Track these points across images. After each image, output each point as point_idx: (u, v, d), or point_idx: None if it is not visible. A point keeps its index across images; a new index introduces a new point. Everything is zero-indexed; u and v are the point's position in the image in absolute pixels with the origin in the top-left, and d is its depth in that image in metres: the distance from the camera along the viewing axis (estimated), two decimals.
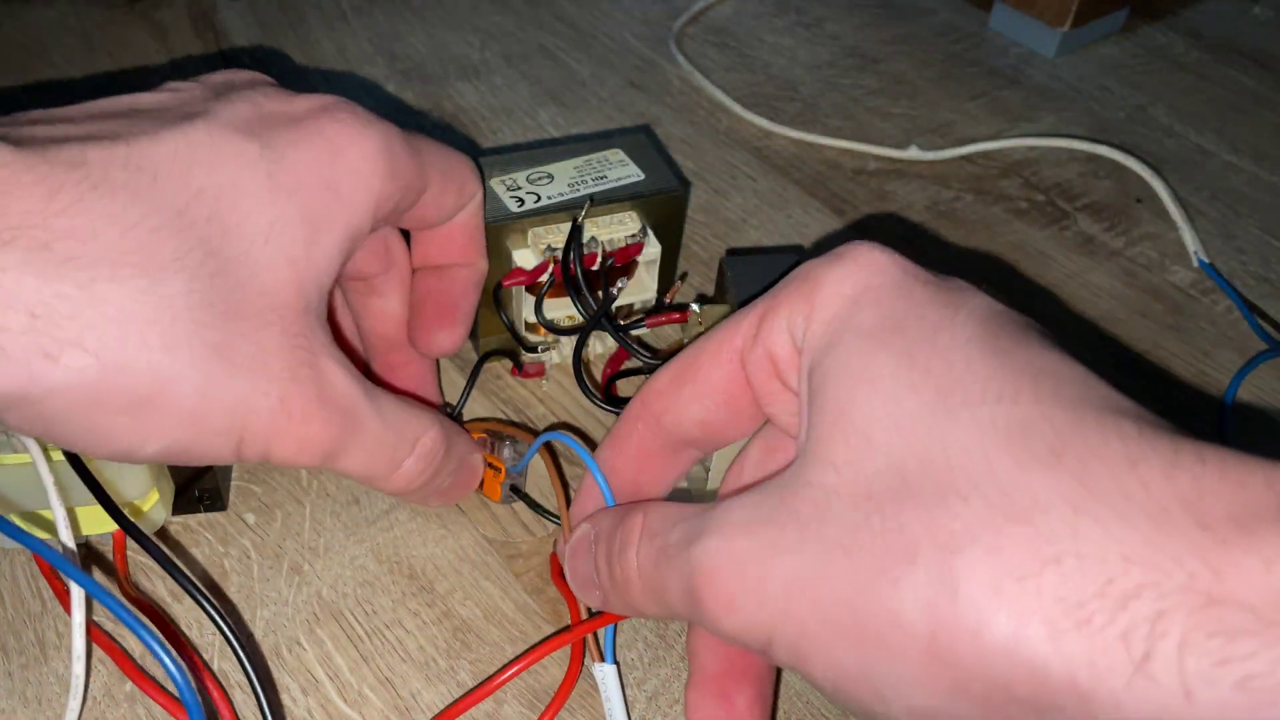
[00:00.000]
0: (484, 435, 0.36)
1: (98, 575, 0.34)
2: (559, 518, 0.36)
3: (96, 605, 0.33)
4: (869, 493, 0.18)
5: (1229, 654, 0.14)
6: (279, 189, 0.25)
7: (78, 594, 0.29)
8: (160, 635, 0.26)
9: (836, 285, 0.22)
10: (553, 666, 0.33)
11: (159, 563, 0.29)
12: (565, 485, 0.37)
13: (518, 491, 0.36)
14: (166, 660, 0.25)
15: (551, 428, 0.40)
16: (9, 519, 0.27)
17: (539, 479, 0.38)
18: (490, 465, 0.35)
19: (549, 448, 0.37)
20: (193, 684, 0.26)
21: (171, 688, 0.31)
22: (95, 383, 0.22)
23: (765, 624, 0.19)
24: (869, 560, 0.18)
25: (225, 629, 0.28)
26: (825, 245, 0.46)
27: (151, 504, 0.33)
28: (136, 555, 0.34)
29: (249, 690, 0.32)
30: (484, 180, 0.37)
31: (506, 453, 0.36)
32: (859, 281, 0.22)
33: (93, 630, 0.32)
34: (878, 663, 0.18)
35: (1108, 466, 0.16)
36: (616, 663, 0.32)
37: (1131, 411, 0.18)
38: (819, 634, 0.19)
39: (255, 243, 0.24)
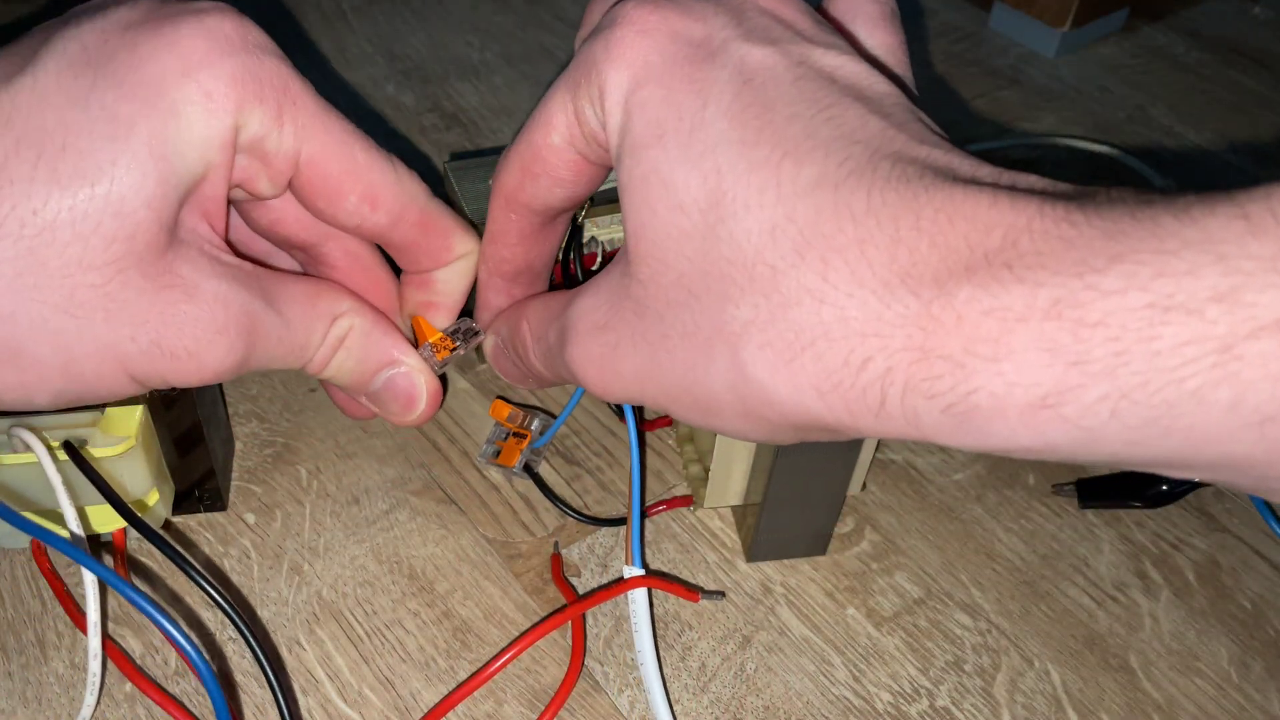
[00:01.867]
0: (517, 410, 0.38)
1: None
2: (565, 505, 0.37)
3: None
4: (671, 301, 0.23)
5: (935, 390, 0.19)
6: (118, 123, 0.23)
7: (92, 590, 0.29)
8: (182, 623, 0.26)
9: (614, 90, 0.24)
10: (553, 666, 0.33)
11: (168, 556, 0.29)
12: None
13: (531, 471, 0.37)
14: (187, 646, 0.26)
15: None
16: (30, 518, 0.27)
17: (555, 472, 0.38)
18: (515, 434, 0.37)
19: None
20: (214, 669, 0.26)
21: (172, 687, 0.31)
22: None
23: (635, 395, 0.25)
24: (684, 356, 0.23)
25: (236, 619, 0.28)
26: None
27: (152, 504, 0.33)
28: (134, 557, 0.35)
29: (245, 688, 0.32)
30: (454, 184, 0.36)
31: (535, 424, 0.37)
32: (629, 80, 0.23)
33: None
34: (715, 420, 0.23)
35: (840, 255, 0.20)
36: (645, 565, 0.33)
37: (866, 174, 0.20)
38: (668, 403, 0.24)
39: (98, 187, 0.23)
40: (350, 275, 0.31)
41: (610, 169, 0.27)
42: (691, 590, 0.34)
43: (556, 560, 0.35)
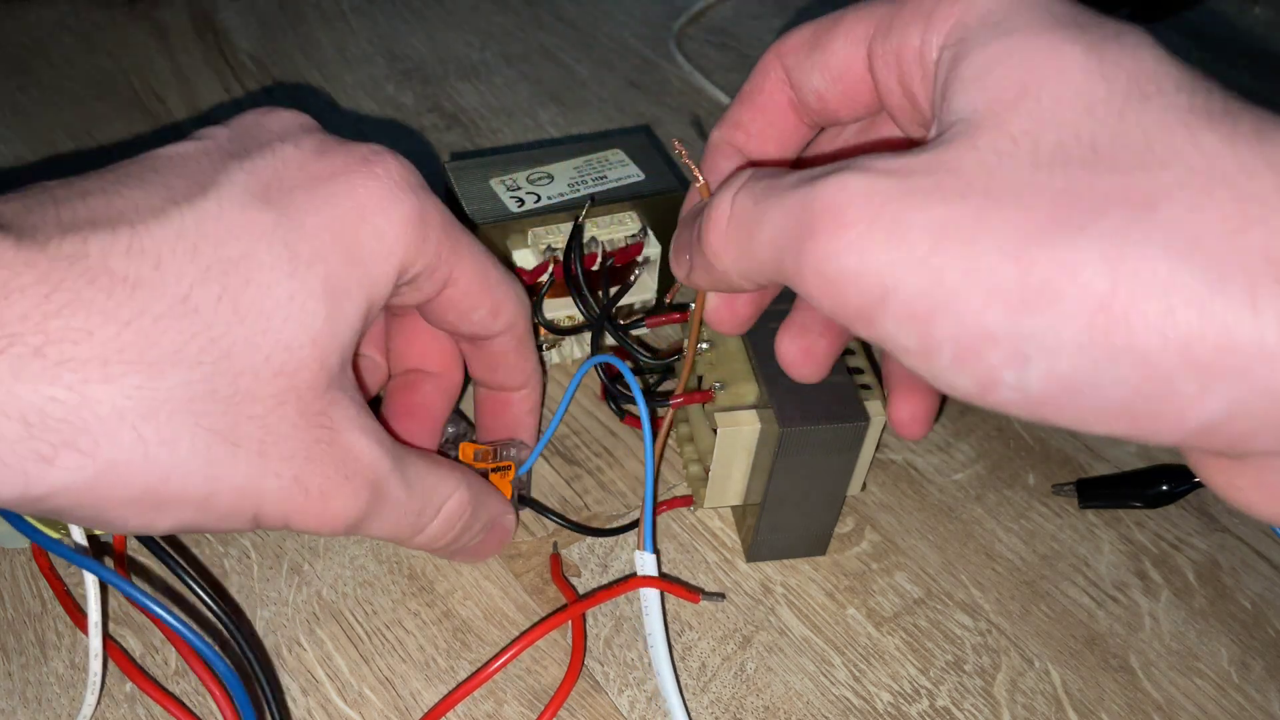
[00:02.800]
0: (485, 447, 0.34)
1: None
2: (563, 520, 0.36)
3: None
4: (1053, 158, 0.17)
5: None
6: (298, 260, 0.24)
7: (93, 590, 0.29)
8: (184, 617, 0.26)
9: None
10: (553, 666, 0.33)
11: (160, 558, 0.29)
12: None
13: (525, 499, 0.36)
14: (196, 640, 0.26)
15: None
16: (31, 522, 0.27)
17: (542, 481, 0.38)
18: (495, 470, 0.34)
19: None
20: (223, 656, 0.26)
21: (173, 687, 0.31)
22: (92, 481, 0.22)
23: (887, 272, 0.18)
24: (1047, 212, 0.17)
25: (226, 623, 0.28)
26: None
27: None
28: (133, 557, 0.34)
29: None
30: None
31: (512, 451, 0.35)
32: None
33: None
34: (1032, 320, 0.17)
35: None
36: (656, 551, 0.33)
37: None
38: (960, 286, 0.17)
39: (273, 320, 0.23)
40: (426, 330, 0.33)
41: (875, 107, 0.25)
42: (692, 591, 0.34)
43: (555, 560, 0.35)
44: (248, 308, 0.23)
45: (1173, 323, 0.16)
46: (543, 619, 0.33)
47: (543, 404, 0.36)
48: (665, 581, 0.34)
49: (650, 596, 0.32)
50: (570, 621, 0.33)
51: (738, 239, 0.23)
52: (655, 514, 0.36)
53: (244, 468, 0.24)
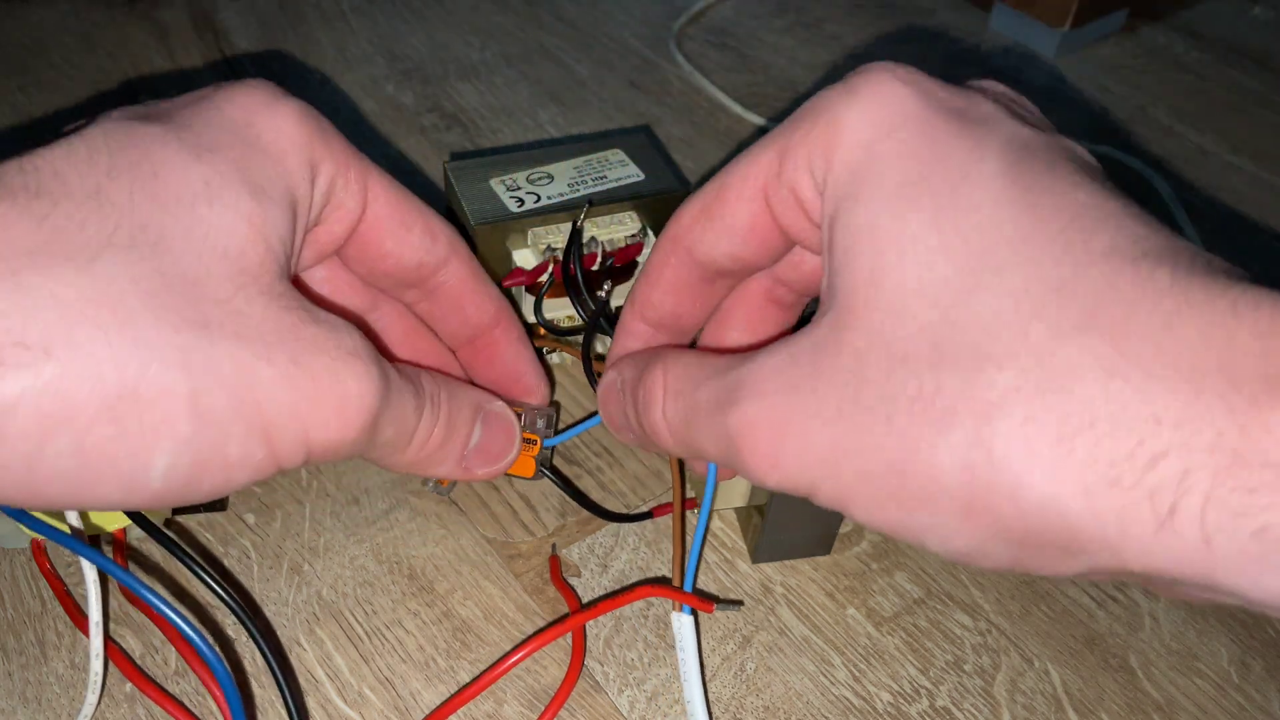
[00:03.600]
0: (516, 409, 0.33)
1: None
2: (587, 503, 0.36)
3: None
4: (904, 357, 0.19)
5: (1247, 507, 0.15)
6: (200, 150, 0.22)
7: (94, 589, 0.29)
8: (188, 614, 0.26)
9: (855, 130, 0.21)
10: (553, 666, 0.33)
11: (171, 551, 0.29)
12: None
13: (554, 471, 0.35)
14: (199, 641, 0.26)
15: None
16: (33, 514, 0.27)
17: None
18: (524, 440, 0.33)
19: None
20: (221, 655, 0.26)
21: (172, 687, 0.31)
22: (56, 384, 0.19)
23: (808, 479, 0.21)
24: (908, 427, 0.19)
25: (240, 614, 0.28)
26: None
27: None
28: (134, 557, 0.35)
29: (247, 683, 0.32)
30: (464, 176, 0.36)
31: (540, 424, 0.34)
32: (879, 122, 0.21)
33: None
34: (918, 515, 0.19)
35: (1142, 328, 0.17)
36: (696, 589, 0.32)
37: (1167, 255, 0.18)
38: (861, 491, 0.20)
39: (196, 204, 0.22)
40: (406, 339, 0.32)
41: (788, 245, 0.26)
42: (706, 600, 0.34)
43: (555, 562, 0.35)
44: (166, 197, 0.21)
45: (1027, 516, 0.18)
46: (548, 625, 0.33)
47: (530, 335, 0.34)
48: (678, 592, 0.33)
49: (687, 639, 0.31)
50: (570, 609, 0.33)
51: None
52: (699, 560, 0.35)
53: (225, 353, 0.21)
